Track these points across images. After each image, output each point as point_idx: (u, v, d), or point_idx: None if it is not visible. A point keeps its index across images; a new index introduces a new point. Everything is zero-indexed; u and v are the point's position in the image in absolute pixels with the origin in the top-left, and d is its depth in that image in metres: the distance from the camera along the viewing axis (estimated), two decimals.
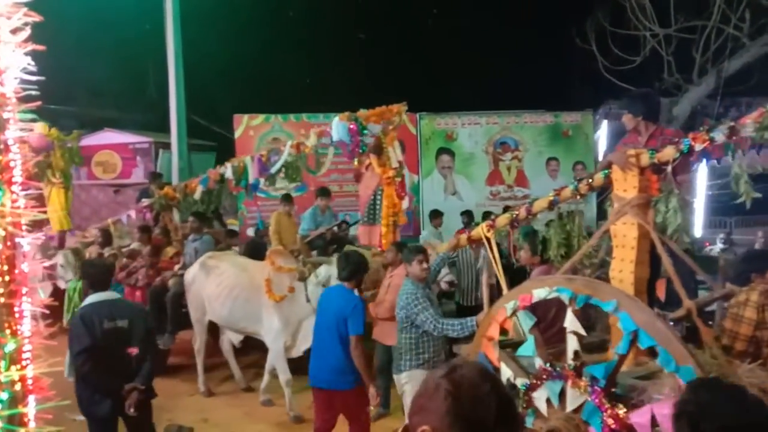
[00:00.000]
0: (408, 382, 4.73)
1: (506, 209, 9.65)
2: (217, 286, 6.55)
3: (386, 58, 17.50)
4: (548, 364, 3.31)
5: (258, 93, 15.72)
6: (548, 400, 3.32)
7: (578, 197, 4.29)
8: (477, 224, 9.77)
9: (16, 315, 1.52)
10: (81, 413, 4.24)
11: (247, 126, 13.20)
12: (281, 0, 16.19)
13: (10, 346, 1.31)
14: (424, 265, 4.83)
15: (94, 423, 4.24)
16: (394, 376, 4.96)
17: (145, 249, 7.89)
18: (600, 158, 14.88)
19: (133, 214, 8.52)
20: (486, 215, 10.37)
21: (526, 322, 3.52)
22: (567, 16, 13.51)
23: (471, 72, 16.32)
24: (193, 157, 13.59)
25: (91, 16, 13.40)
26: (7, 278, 1.34)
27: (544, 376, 3.31)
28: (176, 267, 7.70)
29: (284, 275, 5.96)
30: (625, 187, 3.78)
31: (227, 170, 7.71)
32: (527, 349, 3.48)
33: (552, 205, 4.46)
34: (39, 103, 1.94)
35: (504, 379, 3.52)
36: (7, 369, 1.30)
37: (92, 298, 4.34)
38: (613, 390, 3.12)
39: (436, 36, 17.41)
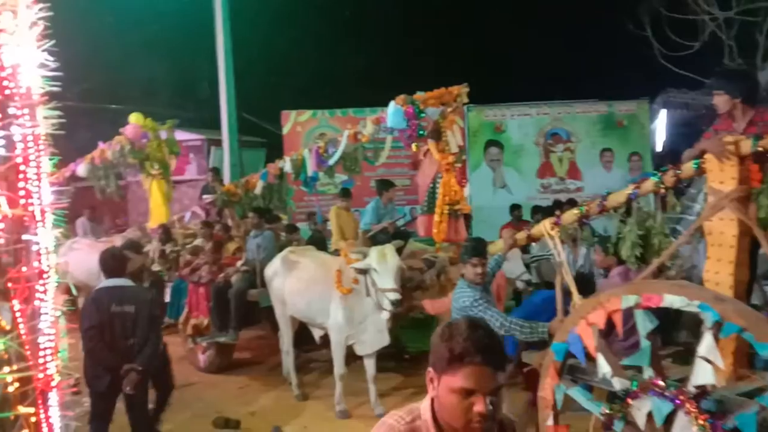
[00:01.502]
0: None
1: (557, 204, 9.43)
2: (298, 281, 6.54)
3: (433, 51, 17.37)
4: (663, 381, 3.03)
5: (306, 89, 15.77)
6: (649, 416, 3.04)
7: (663, 190, 3.94)
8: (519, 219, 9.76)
9: (17, 315, 1.48)
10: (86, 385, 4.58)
11: (294, 122, 13.28)
12: None
13: None
14: (478, 270, 4.45)
15: (94, 396, 4.59)
16: None
17: (208, 245, 7.94)
18: (657, 149, 14.52)
19: (198, 210, 8.58)
20: (535, 210, 10.21)
21: (644, 323, 3.17)
22: (619, 1, 13.14)
23: (520, 62, 16.06)
24: (243, 153, 13.72)
25: (143, 18, 13.62)
26: None
27: (654, 391, 3.02)
28: (238, 263, 7.72)
29: (357, 265, 5.89)
30: (722, 178, 3.46)
31: (286, 164, 7.68)
32: (642, 358, 3.14)
33: (630, 200, 4.11)
34: (46, 98, 1.89)
35: (600, 373, 3.30)
36: None
37: (105, 283, 4.78)
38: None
39: (483, 27, 17.19)
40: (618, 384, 3.21)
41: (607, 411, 3.23)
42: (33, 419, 1.44)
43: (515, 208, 10.50)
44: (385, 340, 6.07)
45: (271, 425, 5.97)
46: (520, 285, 6.88)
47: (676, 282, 3.41)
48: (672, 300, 3.02)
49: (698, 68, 12.26)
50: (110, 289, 4.70)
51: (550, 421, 3.62)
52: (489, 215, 11.09)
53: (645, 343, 3.15)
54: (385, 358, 6.82)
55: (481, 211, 10.40)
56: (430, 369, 1.73)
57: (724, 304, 2.90)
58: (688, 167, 3.75)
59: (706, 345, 2.89)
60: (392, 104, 6.54)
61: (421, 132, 6.49)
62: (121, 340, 4.59)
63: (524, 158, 13.26)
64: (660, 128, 14.30)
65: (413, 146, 6.72)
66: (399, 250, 6.51)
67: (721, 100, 3.92)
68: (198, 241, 8.37)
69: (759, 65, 11.49)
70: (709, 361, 2.87)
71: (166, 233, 9.05)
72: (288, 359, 7.05)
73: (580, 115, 13.15)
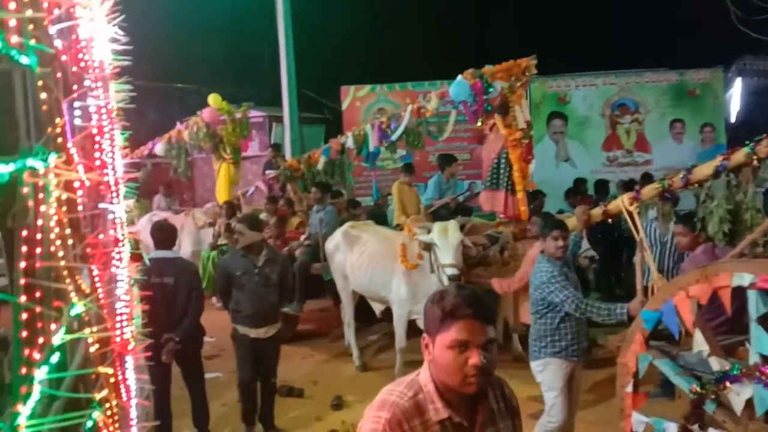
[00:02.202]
0: (544, 371, 4.31)
1: (628, 184, 9.04)
2: (360, 255, 6.60)
3: (492, 22, 16.96)
4: None
5: (365, 64, 15.72)
6: (748, 403, 2.87)
7: (755, 162, 3.67)
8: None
9: (95, 279, 1.51)
10: None
11: (353, 97, 13.30)
12: None
13: (77, 309, 1.30)
14: (560, 243, 4.26)
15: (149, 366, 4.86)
16: (531, 363, 4.47)
17: (272, 220, 8.09)
18: (731, 120, 13.80)
19: (261, 185, 8.75)
20: (599, 184, 9.89)
21: (758, 306, 2.92)
22: None
23: (585, 30, 15.48)
24: (303, 129, 13.86)
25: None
26: (70, 242, 1.33)
27: (759, 377, 2.82)
28: (302, 237, 7.85)
29: (416, 243, 5.87)
30: None
31: (348, 139, 7.70)
32: (761, 343, 2.87)
33: (718, 172, 3.87)
34: (118, 69, 1.91)
35: (695, 349, 3.15)
36: (70, 332, 1.29)
37: (151, 255, 4.97)
38: None
39: None
40: (716, 364, 3.05)
41: (699, 389, 3.07)
42: (112, 380, 1.51)
43: (580, 182, 10.23)
44: None
45: (332, 394, 6.10)
46: (583, 262, 6.67)
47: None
48: None
49: None
50: (153, 261, 4.77)
51: (629, 389, 3.53)
52: (551, 190, 10.78)
53: (757, 328, 2.93)
54: None
55: (543, 186, 10.14)
56: (424, 336, 1.82)
57: None
58: None
59: None
60: (459, 78, 6.41)
61: (488, 107, 6.35)
62: (161, 311, 4.47)
63: (589, 130, 12.88)
64: (735, 98, 13.56)
65: (478, 122, 6.58)
66: (462, 227, 6.45)
67: None
68: (262, 216, 8.55)
69: None
70: None
71: (231, 208, 9.29)
72: (350, 331, 7.17)
73: (649, 85, 12.64)
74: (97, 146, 1.50)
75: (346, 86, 13.29)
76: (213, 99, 9.35)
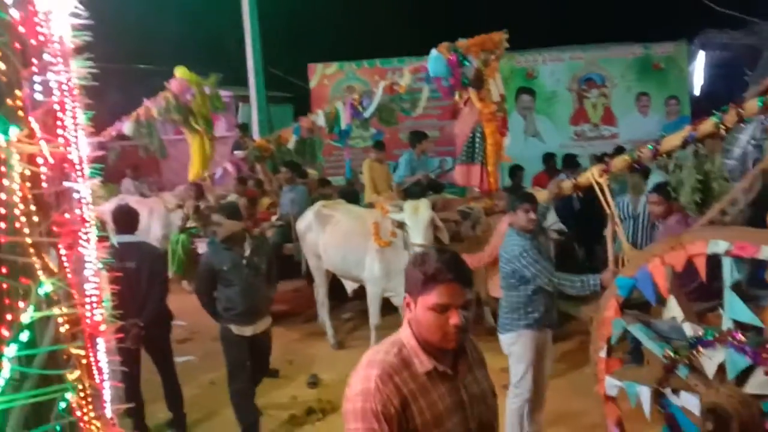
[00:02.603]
0: (515, 343, 4.30)
1: (601, 159, 9.12)
2: (332, 234, 6.58)
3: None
4: (743, 334, 2.85)
5: (333, 41, 15.52)
6: (720, 368, 2.93)
7: (723, 131, 3.73)
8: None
9: (63, 258, 1.48)
10: None
11: (321, 75, 13.16)
12: None
13: (46, 288, 1.28)
14: (531, 216, 4.27)
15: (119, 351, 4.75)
16: (499, 336, 4.42)
17: (242, 201, 7.99)
18: (695, 93, 14.00)
19: (229, 166, 8.61)
20: (567, 158, 9.99)
21: (732, 272, 2.98)
22: None
23: (551, 4, 15.51)
24: (271, 109, 13.66)
25: None
26: (36, 219, 1.29)
27: (731, 342, 2.87)
28: (273, 218, 7.78)
29: (389, 221, 5.86)
30: None
31: (319, 118, 7.61)
32: (734, 309, 2.91)
33: (686, 142, 3.90)
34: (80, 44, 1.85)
35: (668, 315, 3.20)
36: (39, 310, 1.26)
37: (112, 239, 4.62)
38: None
39: None
40: (689, 330, 3.10)
41: (672, 354, 3.13)
42: (84, 361, 1.48)
43: (549, 157, 10.31)
44: None
45: (308, 373, 6.11)
46: (553, 235, 6.76)
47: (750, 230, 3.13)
48: None
49: (742, 7, 11.64)
50: (118, 246, 4.59)
51: (603, 354, 3.59)
52: (520, 165, 10.93)
53: (730, 294, 2.98)
54: None
55: (510, 160, 10.18)
56: (406, 295, 1.94)
57: None
58: (752, 104, 3.54)
59: None
60: (434, 52, 6.35)
61: (465, 81, 6.31)
62: (124, 297, 4.49)
63: (557, 105, 12.96)
64: (698, 71, 13.76)
65: (456, 96, 6.55)
66: (434, 204, 6.45)
67: None
68: (232, 197, 8.43)
69: None
70: None
71: (198, 190, 9.15)
72: (323, 310, 7.17)
73: (615, 59, 12.74)
74: (59, 123, 1.44)
75: (314, 64, 13.13)
76: (180, 71, 9.13)
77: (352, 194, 8.03)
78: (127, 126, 9.66)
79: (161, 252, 6.22)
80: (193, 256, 8.96)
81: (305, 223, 7.03)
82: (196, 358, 6.65)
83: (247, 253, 4.70)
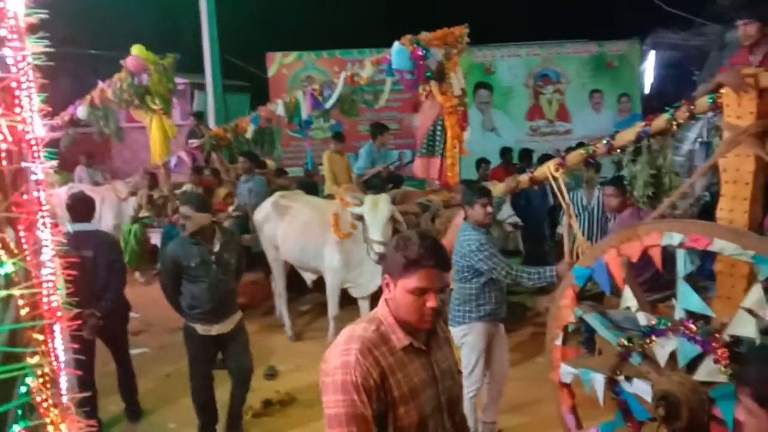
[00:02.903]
0: (468, 335, 4.34)
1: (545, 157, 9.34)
2: (291, 225, 6.51)
3: None
4: (693, 323, 2.94)
5: (291, 30, 15.35)
6: (672, 356, 3.01)
7: (675, 127, 3.81)
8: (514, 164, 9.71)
9: (22, 240, 1.45)
10: None
11: (280, 64, 13.02)
12: None
13: (7, 268, 1.26)
14: (489, 210, 4.31)
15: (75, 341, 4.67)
16: (450, 329, 4.38)
17: (198, 190, 7.85)
18: (646, 91, 14.41)
19: (184, 155, 8.42)
20: (523, 153, 10.17)
21: (686, 264, 3.05)
22: None
23: (510, 1, 15.68)
24: (228, 98, 13.45)
25: None
26: None
27: (683, 332, 2.95)
28: (230, 208, 7.67)
29: (349, 213, 5.84)
30: (739, 113, 3.33)
31: (279, 107, 7.50)
32: (687, 300, 2.99)
33: (640, 138, 3.95)
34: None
35: (623, 305, 3.27)
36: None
37: (67, 228, 4.54)
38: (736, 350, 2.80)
39: None
40: (643, 319, 3.16)
41: (626, 342, 3.20)
42: (43, 346, 1.43)
43: (506, 151, 10.47)
44: (378, 283, 6.08)
45: (265, 365, 6.06)
46: (508, 228, 6.88)
47: (732, 227, 3.23)
48: (723, 246, 2.90)
49: (691, 7, 12.03)
50: (71, 234, 4.50)
51: (558, 342, 3.66)
52: (477, 159, 11.04)
53: (683, 285, 3.05)
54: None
55: (469, 155, 10.26)
56: (386, 276, 2.01)
57: None
58: (702, 102, 3.61)
59: (754, 297, 2.80)
60: (396, 45, 6.33)
61: (428, 74, 6.33)
62: (80, 286, 4.34)
63: (513, 100, 13.16)
64: (649, 69, 14.17)
65: (420, 88, 6.55)
66: (393, 199, 6.45)
67: (751, 29, 3.81)
68: (187, 187, 8.27)
69: (751, 2, 11.26)
70: (753, 314, 2.78)
71: (152, 179, 8.94)
72: (281, 302, 7.11)
73: (571, 56, 13.01)
74: (17, 101, 1.38)
75: (272, 53, 12.97)
76: (137, 49, 8.86)
77: (310, 185, 7.98)
78: (81, 109, 9.30)
79: (117, 240, 6.06)
80: (146, 247, 8.78)
81: (263, 214, 6.94)
82: (150, 350, 6.53)
83: (217, 248, 4.41)
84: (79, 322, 3.99)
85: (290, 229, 6.56)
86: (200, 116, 10.01)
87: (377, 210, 5.60)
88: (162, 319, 7.38)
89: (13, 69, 1.37)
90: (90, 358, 4.65)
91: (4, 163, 1.28)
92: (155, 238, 8.63)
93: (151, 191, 8.83)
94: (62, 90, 9.50)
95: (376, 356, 1.92)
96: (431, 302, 1.93)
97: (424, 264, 1.92)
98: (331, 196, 7.41)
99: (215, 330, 4.46)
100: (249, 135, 7.75)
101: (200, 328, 4.44)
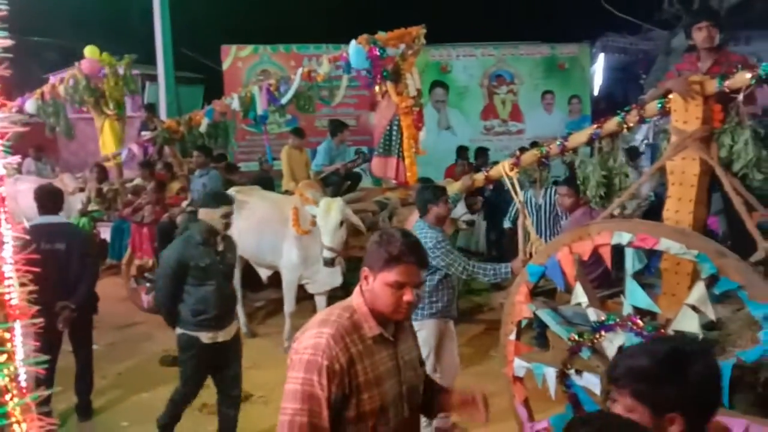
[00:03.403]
0: (420, 330, 4.17)
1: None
2: (247, 220, 6.43)
3: None
4: (641, 319, 3.07)
5: (247, 23, 15.13)
6: (620, 350, 3.08)
7: (626, 129, 3.91)
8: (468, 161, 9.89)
9: None
10: None
11: (235, 57, 12.84)
12: None
13: None
14: (449, 207, 4.45)
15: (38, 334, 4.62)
16: None
17: (150, 185, 7.69)
18: (596, 92, 14.84)
19: (134, 148, 8.23)
20: (479, 152, 10.36)
21: (634, 262, 3.17)
22: None
23: (466, 1, 15.88)
24: (180, 90, 13.19)
25: None
26: None
27: (631, 327, 3.08)
28: (184, 203, 7.54)
29: (308, 209, 5.82)
30: (686, 118, 3.41)
31: (234, 101, 7.42)
32: (635, 296, 3.11)
33: (592, 140, 4.06)
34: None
35: (574, 301, 3.38)
36: None
37: (37, 221, 4.71)
38: None
39: None
40: (593, 315, 3.27)
41: (577, 338, 3.31)
42: (9, 345, 1.41)
43: (462, 150, 10.62)
44: (337, 280, 6.10)
45: None
46: (462, 225, 7.00)
47: (678, 228, 3.32)
48: (669, 245, 3.01)
49: (639, 12, 12.45)
50: (41, 227, 4.57)
51: (512, 337, 3.74)
52: (433, 157, 11.08)
53: (631, 282, 3.17)
54: (336, 297, 6.92)
55: (425, 153, 10.41)
56: (365, 268, 2.10)
57: (725, 260, 2.87)
58: (652, 107, 3.72)
59: (697, 294, 2.92)
60: (353, 44, 6.33)
61: (385, 73, 6.35)
62: (53, 278, 4.27)
63: (468, 100, 13.33)
64: (598, 72, 14.60)
65: (376, 88, 6.57)
66: (352, 190, 6.44)
67: (705, 34, 3.86)
68: (138, 181, 8.09)
69: (696, 10, 11.72)
70: (696, 310, 2.91)
71: (101, 171, 8.71)
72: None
73: (524, 57, 13.26)
74: None
75: (227, 45, 12.77)
76: (90, 51, 8.60)
77: (266, 180, 7.92)
78: (29, 103, 9.01)
79: (90, 233, 5.93)
80: (97, 241, 8.55)
81: None
82: (99, 347, 6.35)
83: (221, 247, 4.20)
84: (41, 319, 4.02)
85: (247, 224, 6.49)
86: (152, 108, 9.79)
87: (329, 216, 5.54)
88: (110, 316, 7.22)
89: None
90: (55, 353, 4.59)
91: None
92: (105, 233, 8.41)
93: (100, 184, 8.60)
94: (4, 78, 9.12)
95: (347, 342, 2.00)
96: (408, 296, 2.03)
97: (405, 260, 2.02)
98: (288, 192, 7.38)
99: (221, 337, 4.17)
100: (203, 129, 7.64)
101: (205, 336, 4.12)
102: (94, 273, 4.90)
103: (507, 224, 7.42)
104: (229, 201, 4.39)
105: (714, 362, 1.73)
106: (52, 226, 4.67)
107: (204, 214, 4.19)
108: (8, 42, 1.72)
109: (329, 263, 5.49)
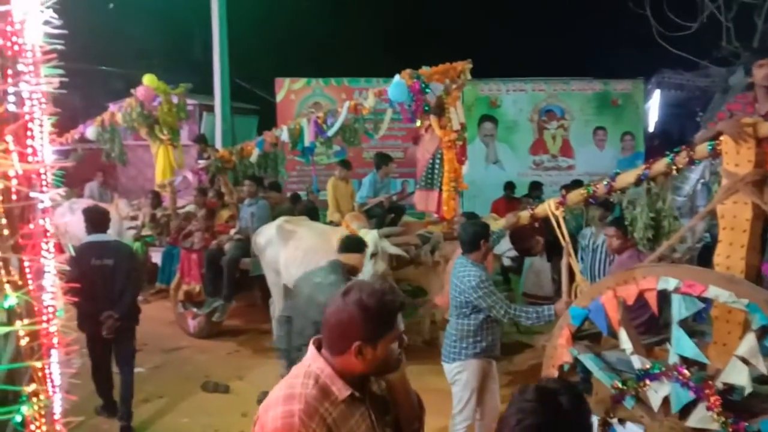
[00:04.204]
0: (462, 371, 4.30)
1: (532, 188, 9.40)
2: (295, 250, 6.50)
3: (428, 22, 17.15)
4: (687, 370, 2.98)
5: (300, 56, 15.58)
6: (665, 401, 3.03)
7: (675, 171, 3.82)
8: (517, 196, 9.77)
9: (27, 270, 1.48)
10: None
11: (288, 90, 13.18)
12: None
13: (11, 301, 1.29)
14: (490, 243, 4.38)
15: (87, 340, 5.09)
16: (444, 365, 4.39)
17: (201, 212, 7.89)
18: (649, 129, 14.53)
19: (189, 175, 8.49)
20: (533, 186, 10.23)
21: (680, 309, 3.06)
22: None
23: (517, 37, 15.91)
24: (236, 120, 13.57)
25: None
26: (6, 232, 1.32)
27: (677, 377, 2.97)
28: (232, 231, 7.69)
29: None
30: (738, 161, 3.32)
31: (283, 133, 7.59)
32: (681, 345, 3.01)
33: (640, 180, 3.97)
34: (54, 56, 1.85)
35: (621, 345, 3.28)
36: (3, 324, 1.28)
37: (89, 238, 5.20)
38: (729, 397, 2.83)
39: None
40: (638, 362, 3.17)
41: (620, 385, 3.21)
42: (41, 374, 1.45)
43: (509, 185, 10.52)
44: None
45: (258, 390, 6.02)
46: (506, 261, 6.86)
47: (727, 275, 3.22)
48: (717, 293, 2.94)
49: (695, 49, 12.19)
50: (92, 244, 5.11)
51: None
52: (481, 191, 11.10)
53: (678, 330, 3.07)
54: None
55: (472, 187, 10.40)
56: (357, 344, 1.83)
57: None
58: (702, 149, 3.62)
59: (747, 346, 2.82)
60: (397, 77, 6.43)
61: (426, 107, 6.40)
62: (101, 291, 4.93)
63: (518, 134, 13.26)
64: (653, 108, 14.31)
65: (417, 122, 6.63)
66: (395, 222, 6.43)
67: (766, 72, 3.71)
68: (190, 207, 8.31)
69: (756, 47, 11.43)
70: (746, 362, 2.81)
71: (155, 197, 9.00)
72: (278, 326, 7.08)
73: (576, 93, 13.14)
74: (29, 133, 1.43)
75: (281, 78, 13.14)
76: (148, 79, 9.01)
77: (312, 211, 8.00)
78: (90, 130, 9.52)
79: (132, 249, 6.42)
80: (148, 265, 8.80)
81: (266, 237, 6.96)
82: (146, 370, 6.50)
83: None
84: (92, 332, 4.85)
85: (294, 253, 6.55)
86: (203, 139, 10.12)
87: (371, 263, 5.58)
88: (157, 338, 7.39)
89: (28, 103, 1.41)
90: (106, 360, 5.21)
91: (14, 197, 1.31)
92: (156, 257, 8.65)
93: (154, 210, 8.88)
94: (72, 106, 9.62)
95: (322, 414, 1.80)
96: (401, 337, 1.93)
97: (396, 308, 1.89)
98: (333, 223, 7.44)
99: None
100: (253, 159, 7.83)
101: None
102: (138, 286, 5.39)
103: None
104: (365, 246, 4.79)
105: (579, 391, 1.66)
106: (101, 243, 5.16)
107: (346, 258, 4.42)
108: (56, 82, 1.80)
109: None
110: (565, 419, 1.53)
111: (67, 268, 4.83)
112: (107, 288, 4.99)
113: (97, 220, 5.26)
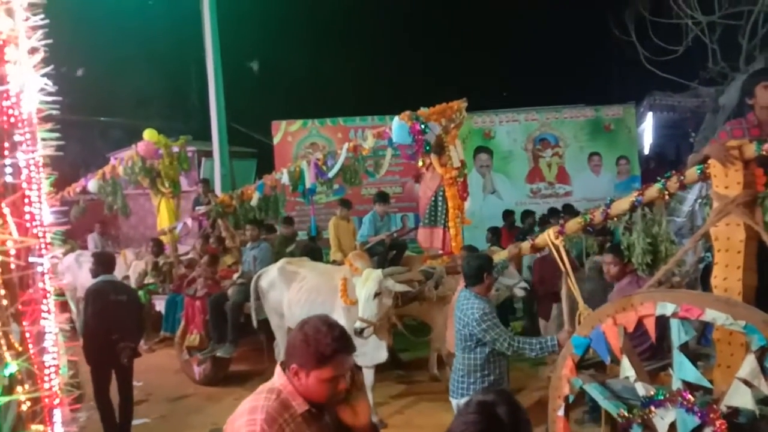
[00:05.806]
0: None
1: (551, 212, 9.46)
2: (298, 291, 6.51)
3: (420, 60, 17.45)
4: (691, 394, 2.97)
5: (296, 99, 15.80)
6: (671, 427, 3.00)
7: (667, 196, 3.83)
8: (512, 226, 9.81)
9: (27, 336, 1.52)
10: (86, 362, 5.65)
11: (285, 132, 13.31)
12: (316, 6, 16.26)
13: (11, 369, 1.32)
14: (494, 275, 4.38)
15: (94, 369, 5.68)
16: (452, 401, 4.36)
17: (203, 258, 7.92)
18: (644, 152, 14.63)
19: (189, 221, 8.55)
20: (525, 215, 10.29)
21: (680, 334, 3.08)
22: (604, 6, 13.28)
23: (507, 68, 16.19)
24: (234, 164, 13.69)
25: (131, 29, 13.59)
26: (5, 302, 1.36)
27: (681, 402, 2.97)
28: (235, 275, 7.71)
29: (355, 280, 5.85)
30: (727, 183, 3.35)
31: (283, 176, 7.68)
32: (683, 369, 3.01)
33: (634, 207, 3.98)
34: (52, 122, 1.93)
35: (622, 375, 3.28)
36: (6, 393, 1.32)
37: (102, 278, 5.85)
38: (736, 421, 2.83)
39: (469, 33, 17.30)
40: (641, 389, 3.16)
41: (626, 413, 3.19)
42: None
43: (508, 214, 10.58)
44: (382, 355, 6.06)
45: None
46: (519, 293, 6.79)
47: (723, 297, 3.23)
48: (714, 315, 2.95)
49: (683, 72, 12.37)
50: (107, 283, 5.82)
51: (560, 412, 3.63)
52: (479, 221, 11.11)
53: (679, 355, 3.07)
54: (382, 367, 6.84)
55: (471, 218, 10.42)
56: (293, 365, 2.08)
57: None
58: (692, 173, 3.65)
59: (748, 368, 2.82)
60: (396, 120, 6.55)
61: (427, 147, 6.50)
62: (118, 324, 5.63)
63: (513, 164, 13.35)
64: (646, 131, 14.44)
65: (419, 162, 6.74)
66: (397, 259, 6.44)
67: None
68: (193, 254, 8.34)
69: (741, 68, 11.59)
70: (749, 384, 2.81)
71: (157, 245, 9.04)
72: None
73: (568, 120, 13.26)
74: (26, 200, 1.47)
75: (278, 121, 13.30)
76: (149, 134, 9.18)
77: (315, 251, 8.05)
78: (92, 183, 9.70)
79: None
80: (152, 314, 8.79)
81: (268, 280, 6.97)
82: (152, 421, 6.45)
83: None
84: (105, 358, 5.60)
85: (298, 294, 6.55)
86: (206, 183, 10.23)
87: (365, 286, 5.59)
88: (163, 388, 7.35)
89: (24, 172, 1.46)
90: (108, 384, 5.78)
91: (13, 266, 1.35)
92: (159, 305, 8.65)
93: (156, 258, 8.91)
94: (72, 156, 9.75)
95: (281, 424, 2.01)
96: (342, 384, 2.09)
97: (337, 356, 2.05)
98: (335, 262, 7.46)
99: None
100: (254, 202, 7.91)
101: None
102: (143, 319, 6.41)
103: None
104: None
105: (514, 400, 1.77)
106: (114, 282, 6.01)
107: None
108: (54, 145, 1.85)
109: (358, 333, 5.44)
110: (503, 428, 1.68)
111: (88, 302, 5.63)
112: (123, 320, 5.66)
113: (107, 262, 5.98)
